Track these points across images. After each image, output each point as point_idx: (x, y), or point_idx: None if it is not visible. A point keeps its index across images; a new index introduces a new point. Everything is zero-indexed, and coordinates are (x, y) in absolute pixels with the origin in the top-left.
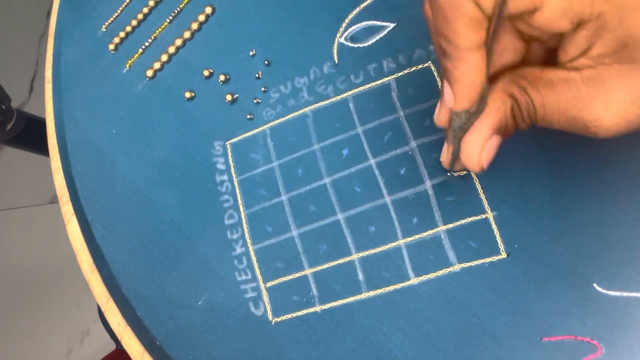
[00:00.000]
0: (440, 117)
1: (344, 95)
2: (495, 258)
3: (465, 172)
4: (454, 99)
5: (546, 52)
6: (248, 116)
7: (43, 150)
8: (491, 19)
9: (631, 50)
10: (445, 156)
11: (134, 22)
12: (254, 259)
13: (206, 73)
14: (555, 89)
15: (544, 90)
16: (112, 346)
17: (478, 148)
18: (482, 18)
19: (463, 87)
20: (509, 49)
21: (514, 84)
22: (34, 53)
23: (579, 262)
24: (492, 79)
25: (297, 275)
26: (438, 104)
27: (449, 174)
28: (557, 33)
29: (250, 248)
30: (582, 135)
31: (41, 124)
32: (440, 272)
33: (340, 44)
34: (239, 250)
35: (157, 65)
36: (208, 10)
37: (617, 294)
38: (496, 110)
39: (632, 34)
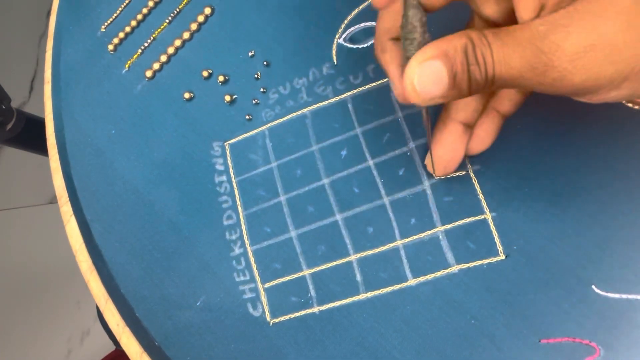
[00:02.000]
0: (381, 49)
1: (342, 96)
2: (493, 259)
3: (451, 175)
4: None
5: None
6: (247, 117)
7: (43, 150)
8: None
9: None
10: (429, 160)
11: (133, 23)
12: (252, 259)
13: (205, 74)
14: (515, 34)
15: (503, 35)
16: (112, 346)
17: (415, 64)
18: None
19: None
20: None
21: (473, 30)
22: (34, 53)
23: (577, 264)
24: None
25: (296, 276)
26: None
27: (431, 178)
28: None
29: (249, 249)
30: (556, 95)
31: (41, 124)
32: (438, 274)
33: (340, 45)
34: (237, 251)
35: (156, 66)
36: (207, 11)
37: (616, 296)
38: (446, 39)
39: None
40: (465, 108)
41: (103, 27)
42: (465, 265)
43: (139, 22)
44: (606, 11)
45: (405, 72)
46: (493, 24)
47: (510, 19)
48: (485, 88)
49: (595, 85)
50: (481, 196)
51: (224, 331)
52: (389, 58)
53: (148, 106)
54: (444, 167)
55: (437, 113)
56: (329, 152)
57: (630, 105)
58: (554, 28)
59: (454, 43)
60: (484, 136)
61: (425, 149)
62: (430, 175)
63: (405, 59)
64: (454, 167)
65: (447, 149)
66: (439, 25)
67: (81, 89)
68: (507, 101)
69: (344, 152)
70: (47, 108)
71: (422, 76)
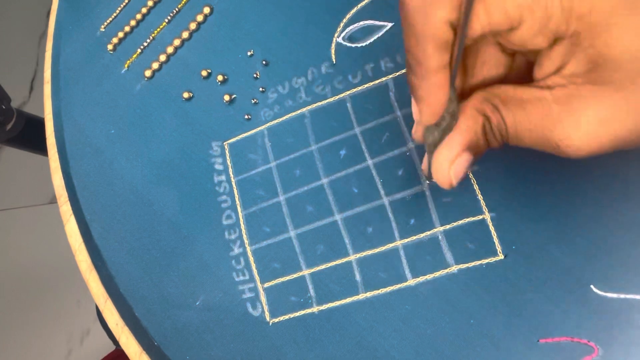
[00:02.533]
0: (417, 132)
1: (341, 95)
2: (492, 259)
3: (432, 182)
4: (420, 115)
5: (528, 66)
6: (246, 116)
7: (43, 150)
8: (454, 42)
9: (602, 71)
10: (425, 165)
11: (133, 23)
12: (251, 259)
13: (204, 73)
14: (526, 107)
15: (515, 109)
16: (112, 346)
17: (447, 164)
18: (453, 39)
19: (428, 105)
20: (490, 61)
21: (487, 102)
22: (34, 53)
23: (576, 264)
24: (468, 94)
25: (295, 275)
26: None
27: (428, 181)
28: (534, 49)
29: (248, 248)
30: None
31: (41, 124)
32: (438, 273)
33: (338, 44)
34: (236, 250)
35: (155, 66)
36: (206, 10)
37: (614, 295)
38: (467, 127)
39: (603, 53)
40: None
41: (102, 26)
42: (465, 265)
43: (138, 22)
44: (621, 106)
45: (436, 168)
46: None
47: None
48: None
49: (602, 152)
50: (480, 196)
51: (223, 331)
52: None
53: (147, 106)
54: (450, 184)
55: None
56: (328, 151)
57: None
58: (567, 115)
59: (476, 128)
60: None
61: (423, 150)
62: (429, 177)
63: (431, 147)
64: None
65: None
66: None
67: (80, 88)
68: None
69: (343, 152)
70: (46, 108)
71: (457, 172)
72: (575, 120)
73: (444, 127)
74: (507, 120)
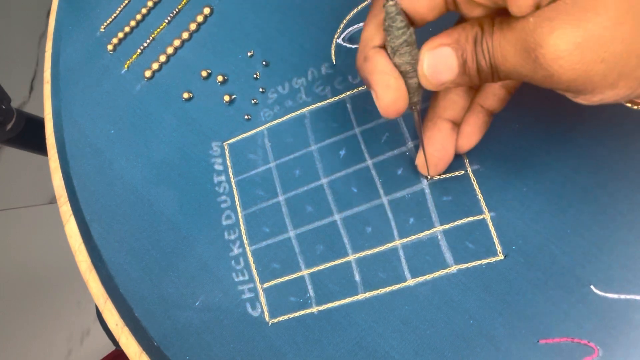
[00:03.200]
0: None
1: (341, 96)
2: (492, 259)
3: (441, 176)
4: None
5: None
6: (246, 117)
7: (43, 150)
8: None
9: None
10: (419, 160)
11: (133, 23)
12: (251, 259)
13: (204, 74)
14: (511, 23)
15: (503, 25)
16: (112, 346)
17: (424, 52)
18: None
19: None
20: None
21: (488, 18)
22: (34, 53)
23: (576, 264)
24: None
25: (294, 276)
26: None
27: (427, 179)
28: None
29: (248, 249)
30: (548, 89)
31: (41, 124)
32: (437, 273)
33: (338, 45)
34: (236, 251)
35: (155, 66)
36: (206, 11)
37: (615, 296)
38: (460, 27)
39: None
40: (453, 106)
41: (102, 27)
42: (464, 265)
43: (138, 22)
44: (595, 5)
45: (419, 60)
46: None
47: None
48: (493, 77)
49: (588, 84)
50: (480, 196)
51: (222, 331)
52: (371, 67)
53: (147, 106)
54: (435, 165)
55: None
56: (327, 151)
57: (629, 105)
58: (541, 21)
59: (467, 31)
60: (471, 132)
61: None
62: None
63: (398, 60)
64: (444, 166)
65: (437, 147)
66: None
67: (80, 89)
68: (491, 96)
69: (342, 152)
70: (46, 108)
71: (432, 61)
72: (550, 26)
73: (407, 40)
74: (495, 33)
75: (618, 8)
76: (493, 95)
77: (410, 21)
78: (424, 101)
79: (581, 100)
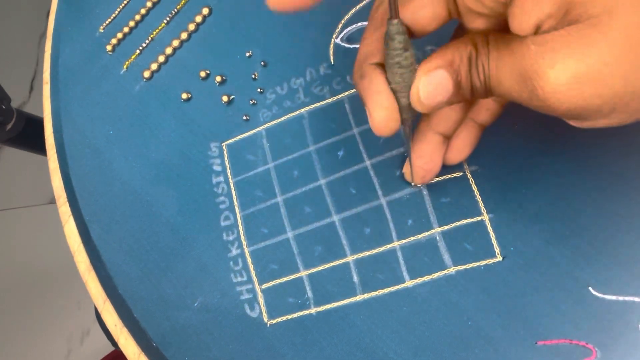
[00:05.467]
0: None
1: (340, 96)
2: (490, 261)
3: (423, 185)
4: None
5: None
6: (244, 117)
7: (43, 150)
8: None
9: (579, 9)
10: (406, 169)
11: (132, 23)
12: (249, 260)
13: (203, 74)
14: (509, 44)
15: (500, 45)
16: (112, 346)
17: (419, 77)
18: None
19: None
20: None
21: (480, 36)
22: (34, 53)
23: (574, 265)
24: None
25: (292, 277)
26: None
27: (412, 185)
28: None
29: (246, 250)
30: (543, 113)
31: (41, 124)
32: (435, 275)
33: (337, 45)
34: (234, 251)
35: (154, 66)
36: (205, 11)
37: (613, 297)
38: (453, 46)
39: None
40: (446, 120)
41: (101, 27)
42: (462, 267)
43: (137, 23)
44: (598, 41)
45: (413, 83)
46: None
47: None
48: (487, 95)
49: (582, 114)
50: (478, 197)
51: (221, 332)
52: (367, 84)
53: (146, 107)
54: (422, 176)
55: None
56: (326, 152)
57: None
58: (543, 51)
59: (460, 51)
60: (463, 146)
61: None
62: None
63: (393, 80)
64: (431, 177)
65: (426, 160)
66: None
67: (80, 89)
68: (484, 111)
69: (341, 153)
70: (45, 108)
71: (428, 85)
72: (551, 58)
73: (404, 62)
74: (492, 54)
75: (621, 45)
76: (486, 110)
77: (410, 33)
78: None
79: (572, 123)
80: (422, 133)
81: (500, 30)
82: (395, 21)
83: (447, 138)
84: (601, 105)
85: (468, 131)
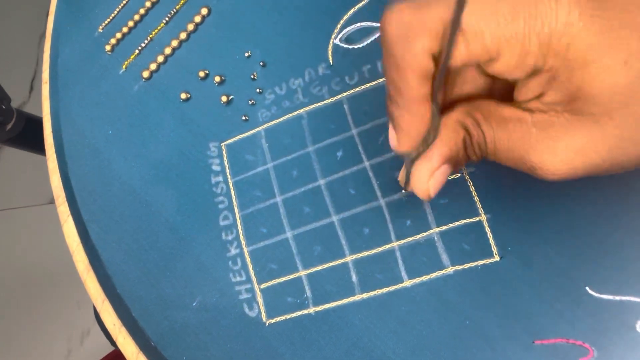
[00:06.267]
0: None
1: (338, 96)
2: (488, 261)
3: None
4: (397, 143)
5: (510, 87)
6: (243, 117)
7: (43, 150)
8: (435, 74)
9: (580, 103)
10: (402, 175)
11: (131, 23)
12: (248, 260)
13: (202, 74)
14: (506, 126)
15: (496, 126)
16: (112, 346)
17: (426, 176)
18: (434, 70)
19: (406, 135)
20: (471, 81)
21: (469, 116)
22: (34, 53)
23: (571, 265)
24: (450, 106)
25: (291, 276)
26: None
27: (404, 191)
28: (513, 79)
29: (245, 249)
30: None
31: (41, 124)
32: (434, 275)
33: (335, 45)
34: (233, 251)
35: (153, 66)
36: (204, 11)
37: (610, 297)
38: (448, 140)
39: (581, 88)
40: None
41: (100, 27)
42: (460, 267)
43: (136, 23)
44: (599, 137)
45: (416, 179)
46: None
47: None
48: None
49: (577, 177)
50: (476, 198)
51: (220, 331)
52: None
53: (145, 107)
54: (428, 196)
55: None
56: (325, 153)
57: None
58: (543, 139)
59: (457, 142)
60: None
61: None
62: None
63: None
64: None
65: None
66: None
67: (79, 89)
68: None
69: (339, 153)
70: (45, 109)
71: (435, 183)
72: (552, 146)
73: (425, 141)
74: (487, 135)
75: (617, 141)
76: None
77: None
78: None
79: None
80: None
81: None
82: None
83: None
84: (585, 174)
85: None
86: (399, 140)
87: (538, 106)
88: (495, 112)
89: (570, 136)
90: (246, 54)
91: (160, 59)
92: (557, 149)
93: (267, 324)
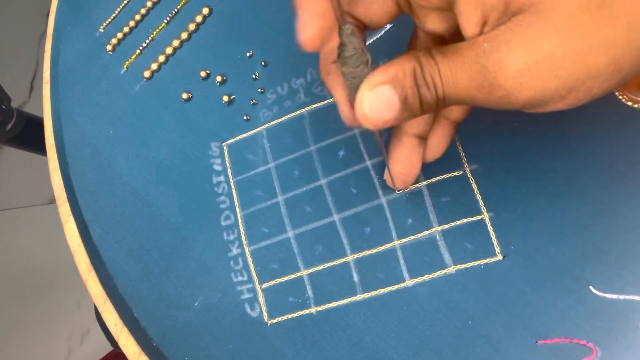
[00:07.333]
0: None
1: None
2: (490, 260)
3: (411, 188)
4: (300, 30)
5: None
6: (245, 117)
7: (43, 150)
8: None
9: (515, 0)
10: (387, 176)
11: (132, 23)
12: (249, 260)
13: (203, 74)
14: (460, 50)
15: (450, 54)
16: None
17: (364, 91)
18: None
19: (306, 13)
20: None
21: (422, 51)
22: (34, 53)
23: (575, 264)
24: None
25: (293, 276)
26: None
27: (397, 192)
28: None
29: (246, 249)
30: (509, 109)
31: (41, 124)
32: (436, 274)
33: None
34: (235, 251)
35: (154, 66)
36: (205, 11)
37: (613, 296)
38: (394, 64)
39: None
40: (418, 121)
41: (101, 27)
42: (463, 266)
43: (137, 23)
44: (546, 26)
45: (356, 98)
46: (438, 38)
47: (454, 33)
48: (438, 107)
49: (542, 100)
50: (478, 196)
51: (221, 331)
52: (332, 80)
53: (146, 106)
54: (403, 181)
55: (390, 128)
56: (326, 152)
57: (629, 104)
58: (498, 45)
59: (403, 66)
60: (437, 145)
61: None
62: (427, 175)
63: (346, 87)
64: (413, 179)
65: (405, 163)
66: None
67: (79, 89)
68: (456, 108)
69: (341, 153)
70: (45, 108)
71: (373, 102)
72: (505, 49)
73: (356, 66)
74: (442, 65)
75: (566, 26)
76: (458, 107)
77: (365, 25)
78: None
79: (531, 111)
80: (398, 137)
81: (453, 35)
82: (346, 26)
83: (424, 139)
84: (559, 87)
85: (442, 129)
86: (299, 25)
87: (486, 30)
88: (449, 46)
89: (518, 34)
90: (248, 54)
91: (162, 58)
92: (510, 49)
93: (268, 324)
